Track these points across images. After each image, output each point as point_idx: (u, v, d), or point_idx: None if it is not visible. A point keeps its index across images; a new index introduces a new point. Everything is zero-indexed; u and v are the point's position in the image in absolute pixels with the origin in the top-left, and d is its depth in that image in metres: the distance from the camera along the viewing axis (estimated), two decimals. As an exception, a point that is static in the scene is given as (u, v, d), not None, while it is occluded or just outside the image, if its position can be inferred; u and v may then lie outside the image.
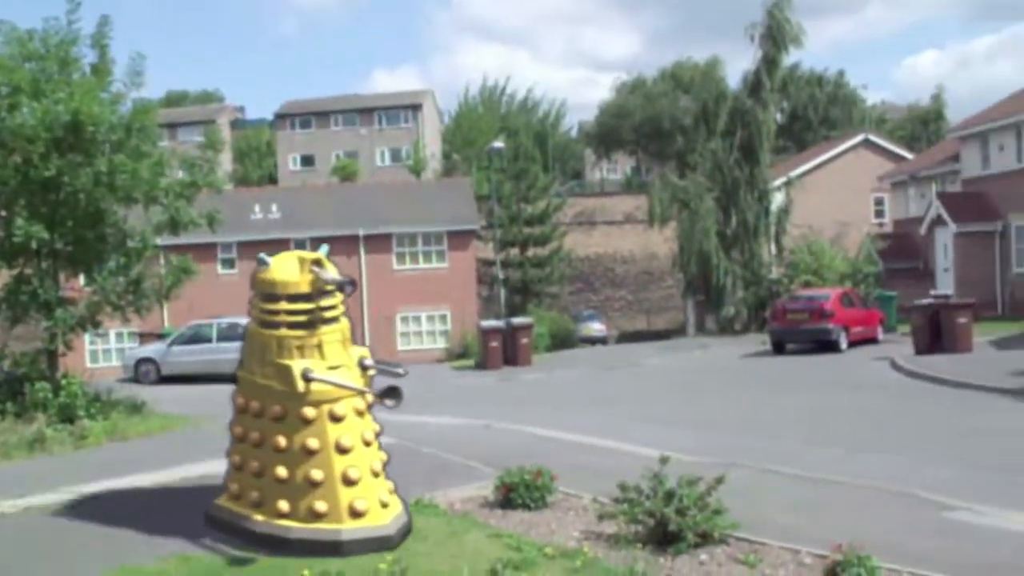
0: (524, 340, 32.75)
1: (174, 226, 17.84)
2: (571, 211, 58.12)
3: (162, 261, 20.06)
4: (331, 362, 6.28)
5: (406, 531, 7.92)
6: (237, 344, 26.79)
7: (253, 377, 6.39)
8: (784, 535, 8.18)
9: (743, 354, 30.44)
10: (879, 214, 50.25)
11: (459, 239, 45.48)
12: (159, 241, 18.45)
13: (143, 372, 33.45)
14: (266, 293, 6.38)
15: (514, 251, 50.88)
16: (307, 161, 79.88)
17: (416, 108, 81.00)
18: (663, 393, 22.45)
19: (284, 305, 6.29)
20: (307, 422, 6.21)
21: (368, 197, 48.30)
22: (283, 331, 6.29)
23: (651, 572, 7.23)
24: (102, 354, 40.66)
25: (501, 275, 46.09)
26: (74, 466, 12.91)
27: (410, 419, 18.68)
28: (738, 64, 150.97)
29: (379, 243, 44.92)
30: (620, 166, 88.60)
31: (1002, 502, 9.63)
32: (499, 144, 48.13)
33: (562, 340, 42.59)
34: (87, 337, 27.43)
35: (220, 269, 43.76)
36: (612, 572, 7.27)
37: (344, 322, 6.56)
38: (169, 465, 12.12)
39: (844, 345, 28.71)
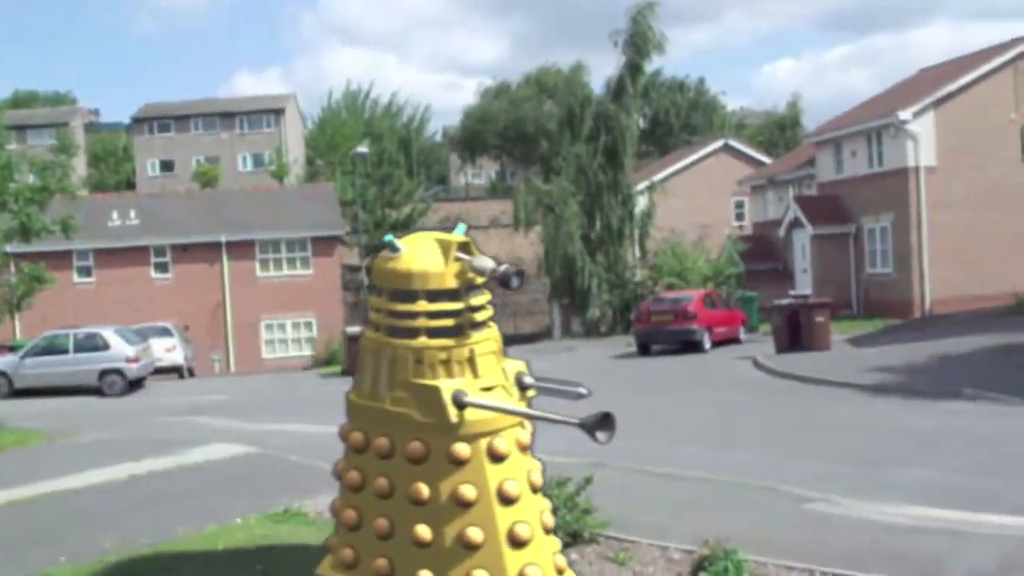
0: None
1: (25, 233, 17.21)
2: (436, 216, 58.01)
3: (13, 269, 19.33)
4: (485, 381, 4.35)
5: None
6: (96, 355, 25.92)
7: (378, 404, 4.36)
8: (652, 532, 8.29)
9: (609, 356, 30.82)
10: (739, 217, 51.57)
11: (323, 245, 45.01)
12: (9, 249, 17.77)
13: (-7, 386, 32.18)
14: (397, 289, 4.36)
15: (380, 257, 50.54)
16: (167, 166, 78.01)
17: (279, 112, 79.89)
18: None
19: (424, 305, 4.31)
20: (459, 463, 4.23)
21: (230, 203, 47.42)
22: (422, 340, 4.28)
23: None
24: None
25: (367, 281, 45.74)
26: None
27: (275, 427, 18.44)
28: (602, 70, 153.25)
29: (242, 250, 44.13)
30: (485, 171, 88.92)
31: (860, 493, 9.96)
32: (363, 149, 47.83)
33: (429, 345, 42.40)
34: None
35: (76, 277, 42.44)
36: None
37: (495, 328, 4.60)
38: (25, 482, 11.69)
39: (708, 345, 29.31)
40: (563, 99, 45.53)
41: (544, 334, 48.47)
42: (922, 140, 34.09)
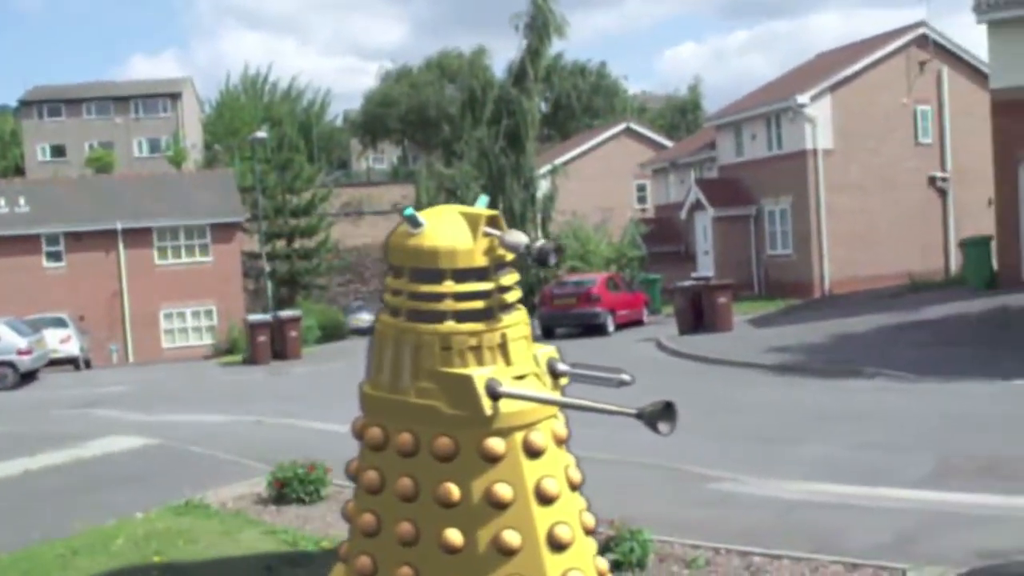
0: (293, 333, 32.25)
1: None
2: (338, 201, 57.51)
3: None
4: (518, 368, 3.93)
5: None
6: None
7: (400, 396, 3.92)
8: (560, 515, 8.28)
9: (513, 340, 30.81)
10: (641, 200, 52.03)
11: (223, 232, 44.26)
12: None
13: None
14: (420, 269, 3.88)
15: (280, 243, 49.94)
16: (58, 151, 75.92)
17: (175, 96, 78.30)
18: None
19: (451, 286, 3.84)
20: (493, 459, 3.83)
21: (126, 189, 46.31)
22: (450, 325, 3.84)
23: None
24: None
25: (268, 268, 45.14)
26: None
27: (176, 418, 18.09)
28: (504, 54, 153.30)
29: (138, 237, 43.16)
30: (387, 155, 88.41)
31: (762, 471, 10.09)
32: (262, 134, 47.06)
33: (332, 332, 42.12)
34: None
35: (-37, 268, 41.11)
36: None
37: (524, 311, 4.08)
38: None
39: (611, 328, 29.52)
40: (465, 83, 45.43)
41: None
42: (819, 123, 34.78)
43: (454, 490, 3.72)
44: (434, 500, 3.74)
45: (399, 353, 3.88)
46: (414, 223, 3.78)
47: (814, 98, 34.77)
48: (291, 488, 9.31)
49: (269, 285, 43.26)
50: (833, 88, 35.29)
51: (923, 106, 36.63)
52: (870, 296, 29.14)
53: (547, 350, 4.00)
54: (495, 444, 3.73)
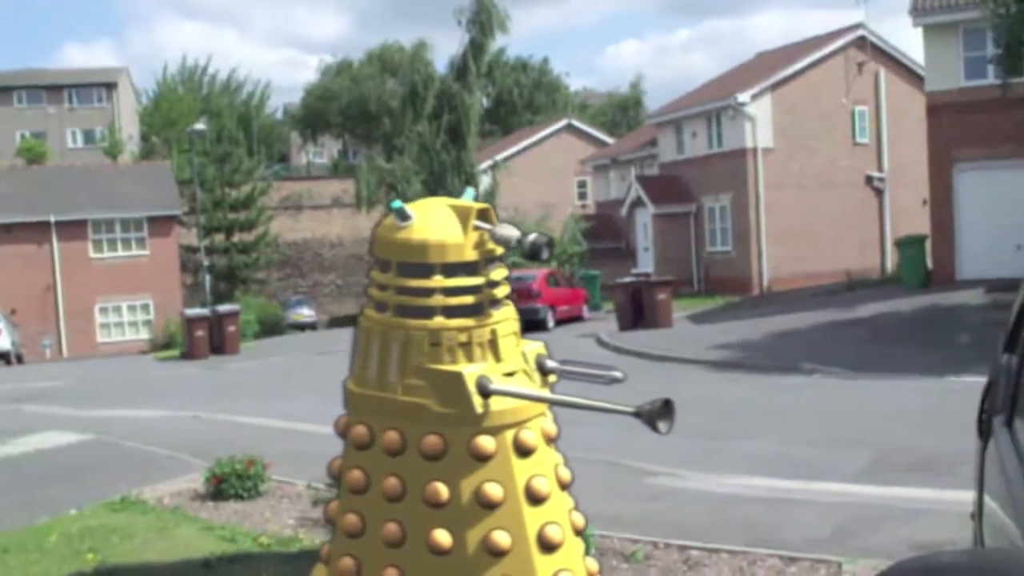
0: (231, 328, 31.98)
1: None
2: (277, 195, 57.03)
3: None
4: (507, 365, 3.83)
5: None
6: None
7: (386, 394, 3.82)
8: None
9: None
10: (582, 196, 52.19)
11: (160, 225, 43.70)
12: None
13: None
14: (408, 263, 3.78)
15: (219, 237, 49.46)
16: (-13, 142, 74.44)
17: (111, 86, 77.04)
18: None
19: (440, 281, 3.75)
20: (483, 458, 3.73)
21: (59, 181, 45.49)
22: (439, 320, 3.76)
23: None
24: None
25: (206, 262, 44.66)
26: None
27: (112, 413, 17.82)
28: (446, 48, 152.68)
29: (73, 230, 42.47)
30: (327, 149, 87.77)
31: (702, 466, 10.16)
32: (201, 126, 46.58)
33: (271, 327, 41.83)
34: None
35: None
36: (331, 558, 7.12)
37: (512, 306, 3.98)
38: None
39: (551, 324, 29.58)
40: (406, 77, 45.23)
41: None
42: (759, 122, 35.13)
43: (443, 490, 3.62)
44: (422, 500, 3.64)
45: (386, 349, 3.78)
46: (402, 216, 3.68)
47: (754, 97, 35.11)
48: (229, 484, 9.20)
49: (207, 279, 42.81)
50: (773, 87, 35.67)
51: (861, 107, 37.14)
52: (808, 293, 29.48)
53: (535, 346, 3.93)
54: (485, 442, 3.64)
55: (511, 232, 3.67)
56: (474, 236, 3.69)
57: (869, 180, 37.38)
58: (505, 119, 75.19)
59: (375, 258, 3.84)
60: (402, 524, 3.68)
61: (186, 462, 11.26)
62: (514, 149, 51.48)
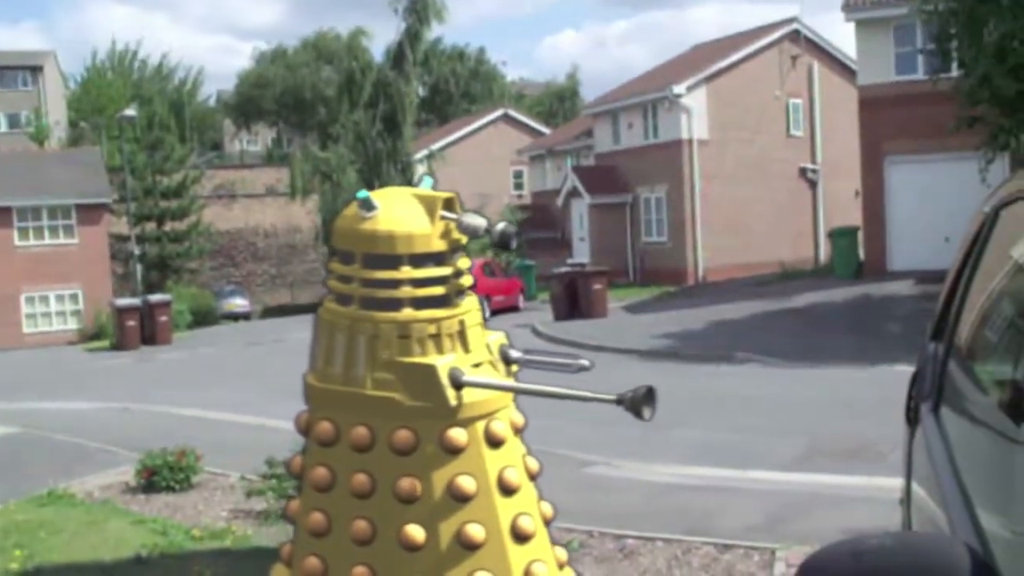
0: (163, 318, 31.59)
1: None
2: (210, 183, 56.36)
3: None
4: (475, 356, 3.77)
5: None
6: None
7: (355, 388, 3.72)
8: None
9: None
10: (518, 186, 52.21)
11: (89, 213, 42.89)
12: None
13: None
14: (374, 254, 3.71)
15: (150, 225, 48.74)
16: (-94, 126, 72.60)
17: (36, 70, 75.46)
18: (306, 367, 22.23)
19: (408, 272, 3.67)
20: (456, 451, 3.68)
21: (-17, 167, 44.57)
22: (408, 312, 3.67)
23: (305, 547, 7.06)
24: None
25: (137, 251, 44.02)
26: None
27: (40, 406, 17.51)
28: (382, 36, 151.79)
29: (-2, 217, 41.61)
30: (261, 137, 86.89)
31: (636, 455, 10.21)
32: (131, 112, 45.85)
33: (204, 317, 41.33)
34: None
35: None
36: (264, 549, 7.05)
37: (475, 297, 3.93)
38: None
39: (487, 314, 28.86)
40: (342, 65, 44.97)
41: (322, 304, 47.94)
42: (695, 113, 35.35)
43: (415, 485, 3.54)
44: (394, 496, 3.55)
45: (353, 343, 3.67)
46: (368, 206, 3.58)
47: (690, 88, 35.31)
48: (161, 476, 9.09)
49: (138, 268, 42.20)
50: (709, 79, 35.90)
51: (795, 99, 37.55)
52: (742, 284, 29.76)
53: (497, 336, 3.85)
54: (457, 435, 3.56)
55: (478, 221, 3.61)
56: (441, 226, 3.61)
57: (803, 172, 37.83)
58: (441, 108, 74.98)
59: (336, 250, 3.71)
60: (372, 521, 3.58)
61: (116, 454, 11.10)
62: (450, 139, 51.33)
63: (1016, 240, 2.55)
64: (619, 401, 3.45)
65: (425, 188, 3.75)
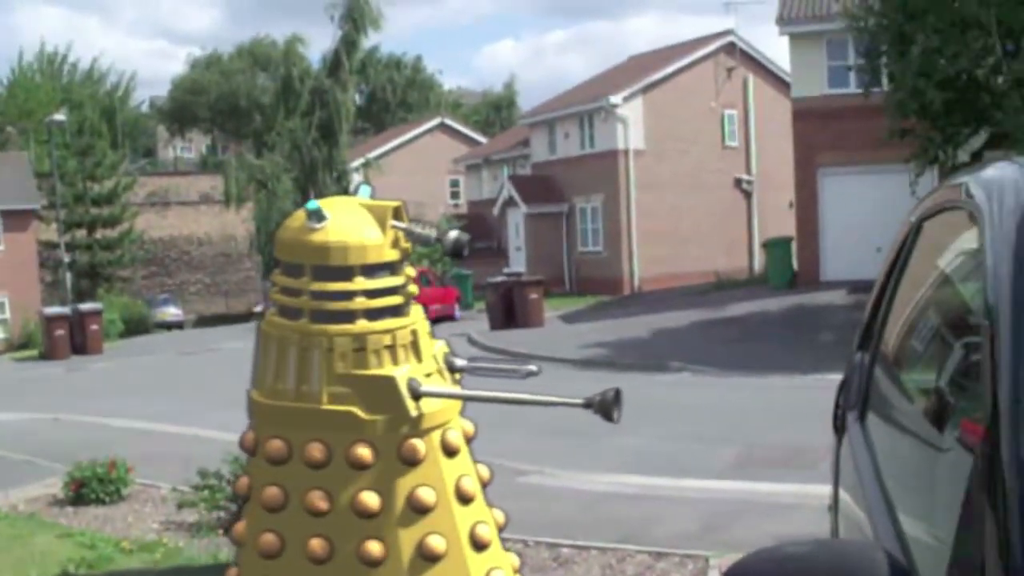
0: (93, 327, 31.10)
1: None
2: (143, 191, 55.62)
3: None
4: (427, 366, 3.69)
5: None
6: None
7: (308, 404, 3.53)
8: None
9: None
10: (455, 195, 52.20)
11: (16, 220, 42.08)
12: None
13: None
14: (326, 266, 3.54)
15: (80, 233, 47.97)
16: None
17: (-37, 75, 74.05)
18: (241, 376, 21.95)
19: (362, 283, 3.53)
20: (414, 463, 3.56)
21: (-95, 171, 43.56)
22: (363, 324, 3.52)
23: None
24: None
25: (66, 258, 43.28)
26: None
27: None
28: (318, 44, 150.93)
29: (-80, 223, 40.70)
30: (195, 144, 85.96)
31: (572, 464, 10.23)
32: (61, 117, 45.09)
33: (136, 326, 40.79)
34: None
35: None
36: (195, 560, 6.96)
37: (420, 307, 3.87)
38: None
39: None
40: (278, 72, 44.67)
41: (257, 313, 47.51)
42: (631, 124, 35.58)
43: (374, 499, 3.42)
44: (352, 512, 3.42)
45: (305, 357, 3.50)
46: (318, 217, 3.46)
47: (626, 99, 35.55)
48: (90, 488, 8.93)
49: (68, 276, 41.48)
50: (645, 90, 36.16)
51: (730, 111, 37.93)
52: (677, 293, 29.98)
53: (440, 345, 3.81)
54: (417, 446, 3.47)
55: (429, 231, 3.60)
56: (391, 235, 3.54)
57: (738, 183, 38.22)
58: (378, 117, 74.76)
59: (280, 262, 3.59)
60: (329, 539, 3.43)
61: (44, 466, 10.89)
62: (386, 147, 51.21)
63: (941, 250, 2.60)
64: (588, 405, 3.44)
65: (363, 197, 3.67)
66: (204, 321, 49.83)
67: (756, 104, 38.02)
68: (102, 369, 26.32)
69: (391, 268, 3.56)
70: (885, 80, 21.42)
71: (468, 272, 36.03)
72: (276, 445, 3.49)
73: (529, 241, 38.74)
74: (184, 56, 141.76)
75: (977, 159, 19.57)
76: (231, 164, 44.01)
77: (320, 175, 39.73)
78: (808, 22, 26.63)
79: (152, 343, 34.63)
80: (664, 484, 9.30)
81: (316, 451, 3.43)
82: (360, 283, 3.49)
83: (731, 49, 37.70)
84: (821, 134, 25.81)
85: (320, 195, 39.43)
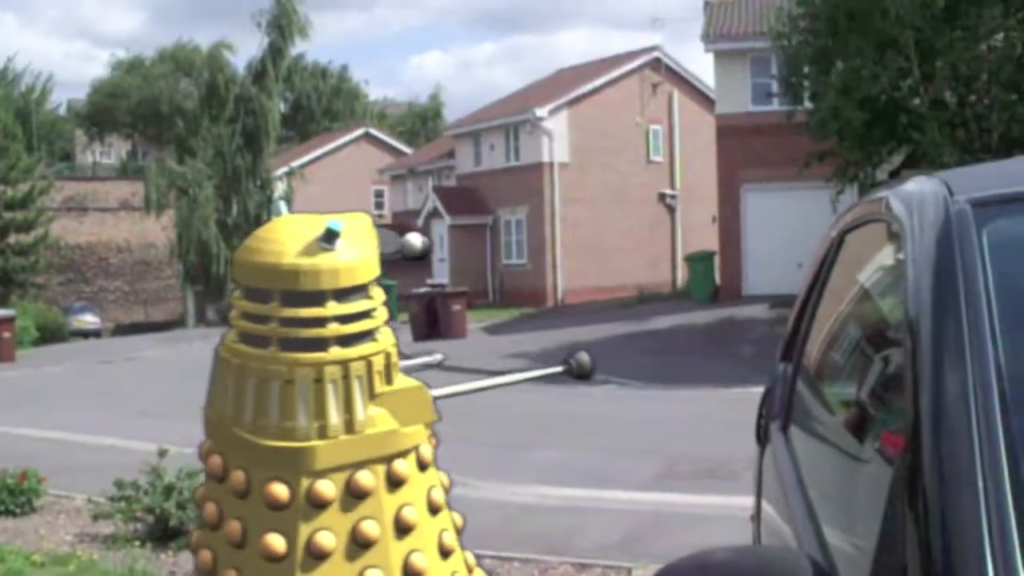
0: (6, 334, 30.36)
1: None
2: (59, 195, 54.45)
3: None
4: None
5: None
6: None
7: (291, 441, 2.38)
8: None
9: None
10: (379, 206, 51.89)
11: (-73, 224, 41.06)
12: None
13: None
14: (296, 291, 2.68)
15: (-7, 238, 46.93)
16: None
17: None
18: (160, 385, 21.63)
19: (335, 308, 2.68)
20: (400, 483, 2.56)
21: None
22: (336, 351, 2.65)
23: (152, 570, 6.86)
24: None
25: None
26: None
27: None
28: (244, 51, 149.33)
29: None
30: (115, 149, 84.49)
31: (494, 475, 10.20)
32: (-26, 119, 44.15)
33: (51, 334, 39.91)
34: None
35: None
36: (110, 573, 6.82)
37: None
38: None
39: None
40: (202, 78, 44.13)
41: (177, 322, 46.81)
42: (556, 137, 35.75)
43: (374, 528, 2.72)
44: (354, 544, 2.70)
45: (286, 392, 2.87)
46: (330, 238, 2.96)
47: (552, 112, 35.72)
48: (-1, 500, 8.71)
49: (-20, 283, 40.50)
50: (571, 103, 36.38)
51: (655, 126, 38.29)
52: (601, 306, 30.14)
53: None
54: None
55: (402, 242, 3.23)
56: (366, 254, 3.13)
57: (662, 197, 38.56)
58: (302, 125, 74.19)
59: (241, 286, 3.14)
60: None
61: (-48, 476, 10.56)
62: (310, 156, 50.83)
63: (862, 264, 2.63)
64: (568, 370, 3.27)
65: (281, 214, 3.39)
66: (122, 329, 48.94)
67: (681, 120, 38.42)
68: (14, 377, 25.70)
69: (364, 289, 3.29)
70: (807, 99, 21.78)
71: (392, 282, 35.78)
72: (276, 491, 2.96)
73: (453, 252, 38.69)
74: (107, 58, 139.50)
75: (895, 178, 19.95)
76: (152, 170, 43.39)
77: (244, 183, 39.36)
78: (732, 40, 27.02)
79: (68, 351, 33.93)
80: (587, 495, 9.31)
81: (320, 492, 2.84)
82: (333, 308, 3.15)
83: (657, 65, 38.06)
84: (744, 151, 26.17)
85: (244, 204, 39.20)
